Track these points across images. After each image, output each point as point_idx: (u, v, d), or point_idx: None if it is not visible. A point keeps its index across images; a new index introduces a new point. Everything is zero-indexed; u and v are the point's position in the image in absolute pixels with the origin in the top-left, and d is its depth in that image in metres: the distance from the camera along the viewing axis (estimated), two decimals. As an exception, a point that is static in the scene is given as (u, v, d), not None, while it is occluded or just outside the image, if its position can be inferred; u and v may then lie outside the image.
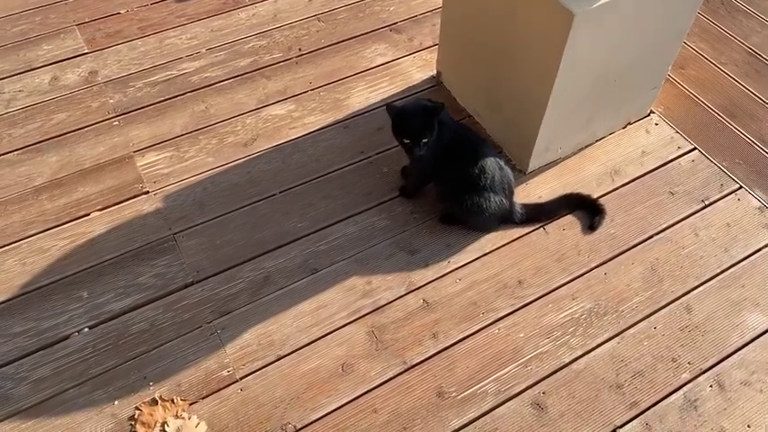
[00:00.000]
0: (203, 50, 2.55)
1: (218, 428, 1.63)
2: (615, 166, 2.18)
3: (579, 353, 1.77)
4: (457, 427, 1.64)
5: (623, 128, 2.28)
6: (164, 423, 1.62)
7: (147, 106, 2.35)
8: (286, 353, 1.76)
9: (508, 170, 1.93)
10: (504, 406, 1.67)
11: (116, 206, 2.06)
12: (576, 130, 2.13)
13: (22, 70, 2.47)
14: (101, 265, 1.93)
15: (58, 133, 2.26)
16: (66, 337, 1.78)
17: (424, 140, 1.79)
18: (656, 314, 1.84)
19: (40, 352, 1.76)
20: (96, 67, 2.47)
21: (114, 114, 2.32)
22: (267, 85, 2.42)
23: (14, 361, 1.74)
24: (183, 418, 1.64)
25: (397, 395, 1.69)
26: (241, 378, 1.72)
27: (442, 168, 1.91)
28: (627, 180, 2.14)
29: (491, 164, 1.88)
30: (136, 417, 1.64)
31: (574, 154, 2.20)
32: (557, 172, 2.16)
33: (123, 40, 2.58)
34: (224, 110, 2.34)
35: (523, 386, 1.71)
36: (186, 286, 1.89)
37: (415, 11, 2.72)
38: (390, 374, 1.73)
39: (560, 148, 2.15)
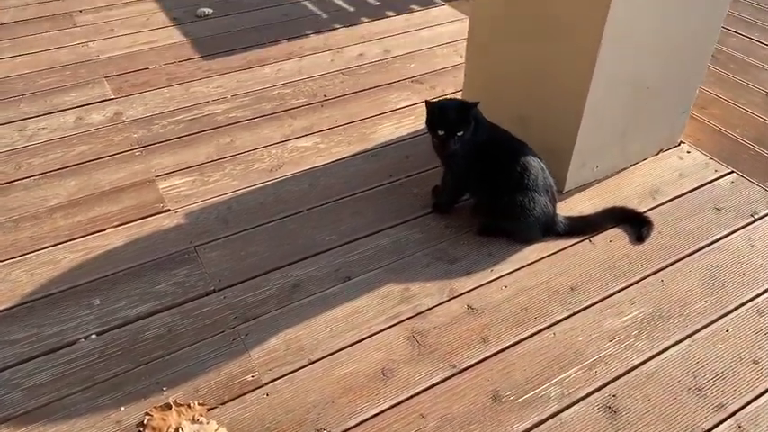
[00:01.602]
0: (229, 96, 2.57)
1: (242, 435, 1.40)
2: (654, 186, 2.11)
3: (648, 355, 1.57)
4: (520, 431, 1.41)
5: (656, 154, 2.24)
6: (178, 428, 1.39)
7: (171, 140, 2.32)
8: (318, 357, 1.56)
9: (549, 175, 1.86)
10: (571, 409, 1.45)
11: (134, 222, 1.95)
12: (612, 147, 2.09)
13: (47, 112, 2.47)
14: (116, 274, 1.78)
15: (77, 162, 2.21)
16: (72, 343, 1.59)
17: (459, 133, 1.73)
18: (725, 317, 1.67)
19: (41, 358, 1.55)
20: (121, 110, 2.48)
21: (137, 146, 2.28)
22: (293, 123, 2.42)
23: (10, 367, 1.53)
24: (201, 422, 1.40)
25: (447, 400, 1.47)
26: (267, 383, 1.50)
27: (478, 174, 1.84)
28: (668, 198, 2.06)
29: (534, 163, 1.81)
30: (145, 422, 1.40)
31: (610, 176, 2.14)
32: (594, 192, 2.09)
33: (150, 88, 2.62)
34: (249, 142, 2.31)
35: (590, 389, 1.50)
36: (207, 294, 1.72)
37: (435, 66, 2.80)
38: (438, 378, 1.52)
39: (597, 167, 2.10)
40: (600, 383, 1.51)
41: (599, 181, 2.13)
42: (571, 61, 1.87)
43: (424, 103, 1.80)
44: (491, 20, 2.14)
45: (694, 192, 2.09)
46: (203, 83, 2.65)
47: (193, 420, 1.41)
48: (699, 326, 1.65)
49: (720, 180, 2.14)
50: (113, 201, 2.03)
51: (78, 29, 3.05)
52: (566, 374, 1.53)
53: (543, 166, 1.84)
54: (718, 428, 1.42)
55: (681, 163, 2.21)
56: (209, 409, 1.44)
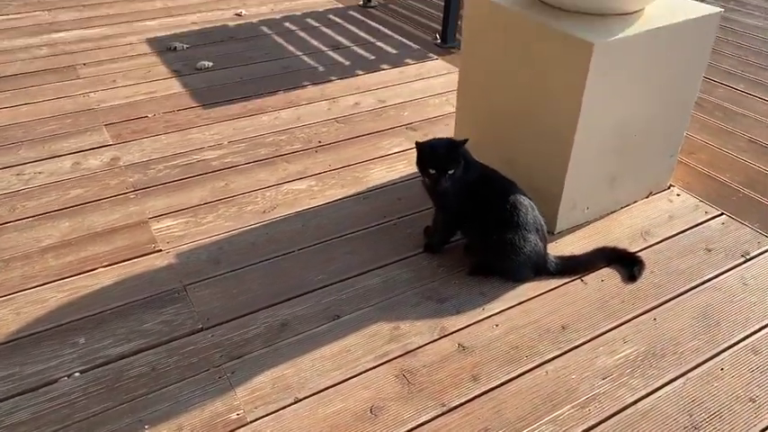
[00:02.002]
0: (225, 142, 2.61)
1: (224, 474, 1.35)
2: (644, 227, 2.11)
3: (642, 393, 1.54)
4: (512, 471, 1.36)
5: (646, 197, 2.26)
6: (158, 467, 1.35)
7: (167, 183, 2.34)
8: (304, 396, 1.53)
9: (539, 214, 1.87)
10: (564, 448, 1.41)
11: (125, 262, 1.95)
12: (601, 190, 2.11)
13: (45, 157, 2.50)
14: (103, 313, 1.76)
15: (72, 204, 2.22)
16: (54, 381, 1.56)
17: (450, 171, 1.76)
18: (719, 356, 1.65)
19: (21, 396, 1.52)
20: (119, 155, 2.51)
21: (132, 189, 2.30)
22: (287, 167, 2.45)
23: (-11, 405, 1.50)
24: (182, 461, 1.36)
25: (437, 439, 1.43)
26: (252, 421, 1.47)
27: (469, 212, 1.85)
28: (659, 239, 2.06)
29: (523, 201, 1.83)
30: (125, 461, 1.36)
31: (601, 218, 2.15)
32: (585, 233, 2.09)
33: (148, 135, 2.66)
34: (244, 186, 2.33)
35: (584, 427, 1.46)
36: (194, 332, 1.70)
37: (428, 115, 2.86)
38: (427, 417, 1.48)
39: (587, 209, 2.11)
40: (593, 422, 1.47)
41: (590, 222, 2.13)
42: (556, 110, 1.92)
43: (415, 147, 1.83)
44: (480, 68, 2.21)
45: (685, 233, 2.09)
46: (201, 130, 2.70)
47: (174, 459, 1.37)
48: (693, 364, 1.62)
49: (711, 221, 2.15)
50: (105, 241, 2.04)
51: (81, 80, 3.13)
52: (558, 413, 1.49)
53: (533, 204, 1.85)
54: (716, 468, 1.37)
55: (671, 205, 2.23)
56: (191, 448, 1.40)
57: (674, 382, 1.57)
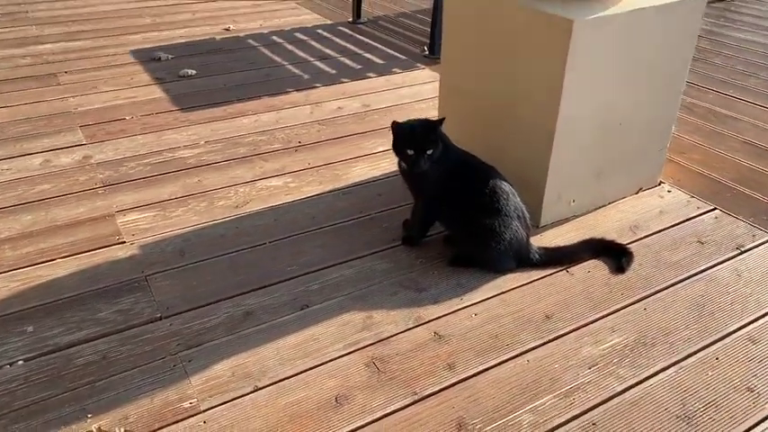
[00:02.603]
0: (202, 142, 2.54)
1: (169, 464, 1.23)
2: (634, 221, 2.02)
3: (632, 382, 1.42)
4: (487, 462, 1.24)
5: (635, 193, 2.17)
6: (97, 456, 1.22)
7: (137, 179, 2.25)
8: (265, 384, 1.41)
9: (520, 201, 1.77)
10: (545, 438, 1.29)
11: (85, 253, 1.84)
12: (588, 182, 2.02)
13: (15, 155, 2.42)
14: (56, 302, 1.65)
15: (36, 199, 2.13)
16: (-6, 370, 1.44)
17: (429, 151, 1.67)
18: (714, 345, 1.53)
19: (-43, 384, 1.40)
20: (91, 154, 2.43)
21: (101, 185, 2.21)
22: (264, 165, 2.36)
23: None
24: (124, 449, 1.24)
25: (406, 428, 1.31)
26: (206, 410, 1.34)
27: (448, 199, 1.76)
28: (649, 233, 1.97)
29: (504, 187, 1.74)
30: (60, 450, 1.24)
31: (587, 213, 2.06)
32: (571, 227, 1.99)
33: (124, 136, 2.59)
34: (218, 182, 2.24)
35: (568, 416, 1.34)
36: (152, 321, 1.59)
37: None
38: (397, 406, 1.36)
39: (573, 201, 2.02)
40: (578, 411, 1.35)
41: (576, 216, 2.04)
42: (537, 96, 1.85)
43: (390, 129, 1.74)
44: (461, 60, 2.15)
45: (676, 227, 2.00)
46: (178, 131, 2.63)
47: (115, 448, 1.24)
48: (686, 353, 1.51)
49: (703, 216, 2.05)
50: (67, 234, 1.94)
51: (61, 86, 3.08)
52: (540, 402, 1.37)
53: (514, 191, 1.76)
54: (712, 459, 1.25)
55: (661, 201, 2.14)
56: (135, 437, 1.28)
57: (665, 371, 1.45)
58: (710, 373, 1.45)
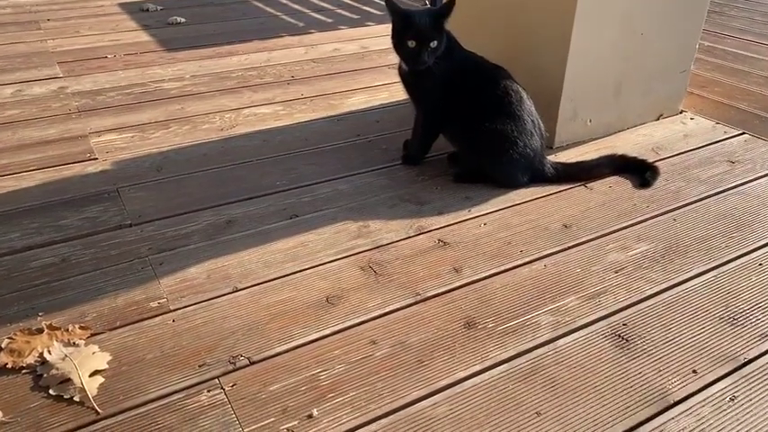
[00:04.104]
0: (187, 77, 2.36)
1: (130, 360, 1.04)
2: (656, 144, 1.84)
3: (665, 285, 1.24)
4: (503, 359, 1.05)
5: (656, 119, 2.00)
6: (44, 351, 1.04)
7: (116, 106, 2.08)
8: (246, 286, 1.23)
9: (533, 105, 1.59)
10: (568, 337, 1.11)
11: (52, 168, 1.67)
12: (606, 99, 1.85)
13: (-14, 86, 2.25)
14: (16, 210, 1.47)
15: (4, 122, 1.95)
16: (-63, 271, 1.26)
17: (433, 44, 1.48)
18: (756, 252, 1.36)
19: None
20: (67, 85, 2.26)
21: (76, 111, 2.04)
22: (253, 96, 2.19)
23: None
24: (76, 345, 1.06)
25: (406, 326, 1.13)
26: (175, 309, 1.16)
27: (453, 107, 1.58)
28: (674, 153, 1.79)
29: (516, 87, 1.56)
30: (3, 345, 1.06)
31: (605, 136, 1.88)
32: (588, 149, 1.82)
33: (104, 71, 2.41)
34: (202, 109, 2.07)
35: (593, 317, 1.16)
36: (120, 228, 1.41)
37: (414, 58, 2.61)
38: (396, 306, 1.18)
39: (590, 121, 1.84)
40: (605, 312, 1.17)
41: (593, 139, 1.86)
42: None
43: (389, 13, 1.53)
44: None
45: (703, 148, 1.82)
46: (163, 67, 2.46)
47: (67, 344, 1.06)
48: (725, 259, 1.33)
49: (732, 139, 1.88)
50: (36, 151, 1.76)
51: (41, 31, 2.91)
52: (561, 303, 1.19)
53: (526, 93, 1.58)
54: (766, 357, 1.07)
55: (684, 127, 1.96)
56: (92, 335, 1.10)
57: (703, 275, 1.27)
58: (755, 279, 1.27)
